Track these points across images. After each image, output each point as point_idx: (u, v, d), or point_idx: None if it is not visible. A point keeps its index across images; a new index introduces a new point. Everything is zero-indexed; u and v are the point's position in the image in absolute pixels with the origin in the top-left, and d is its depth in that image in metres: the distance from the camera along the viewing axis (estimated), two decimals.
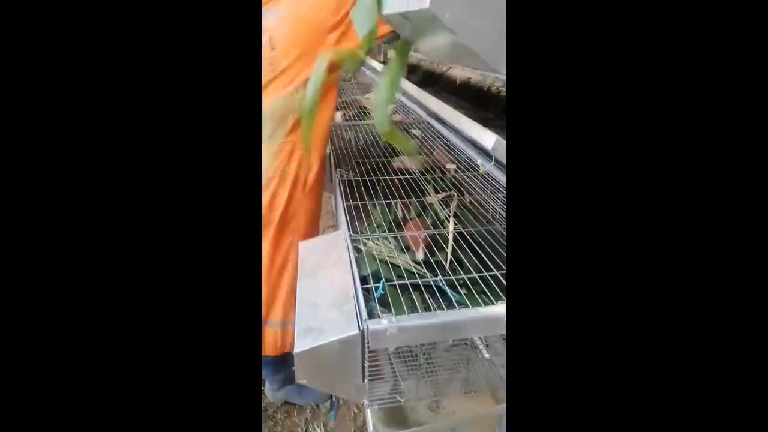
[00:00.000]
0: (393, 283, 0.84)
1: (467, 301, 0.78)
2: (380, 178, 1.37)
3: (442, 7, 0.54)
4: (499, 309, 0.74)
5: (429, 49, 0.78)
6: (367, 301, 0.79)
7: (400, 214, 1.18)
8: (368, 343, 0.71)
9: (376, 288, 0.81)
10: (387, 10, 0.72)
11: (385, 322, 0.70)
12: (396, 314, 0.74)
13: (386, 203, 1.19)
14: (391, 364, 0.88)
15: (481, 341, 0.92)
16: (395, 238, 1.01)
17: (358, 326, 0.72)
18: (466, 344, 0.94)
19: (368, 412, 0.87)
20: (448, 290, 0.82)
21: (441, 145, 1.53)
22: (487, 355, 0.89)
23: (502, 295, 0.78)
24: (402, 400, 0.82)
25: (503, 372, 0.90)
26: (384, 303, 0.82)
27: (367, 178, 1.35)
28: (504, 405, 0.83)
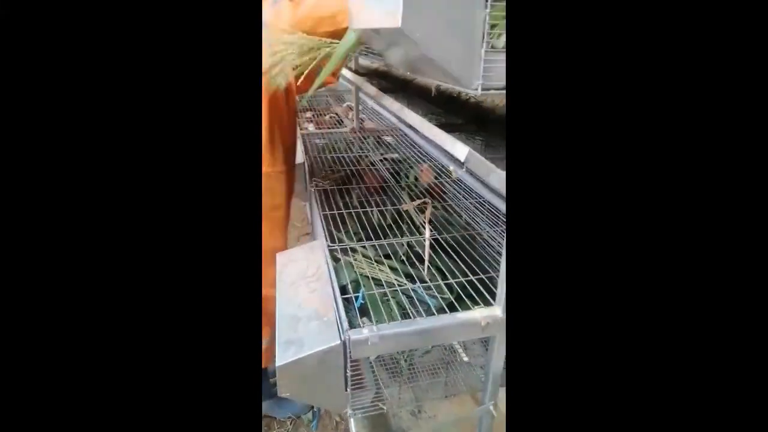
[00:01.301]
0: (372, 292, 0.85)
1: (445, 306, 0.80)
2: (355, 186, 1.38)
3: (414, 27, 0.56)
4: (477, 314, 0.76)
5: (399, 63, 0.80)
6: (347, 311, 0.80)
7: (376, 221, 1.19)
8: (350, 352, 0.72)
9: (356, 297, 0.82)
10: (357, 25, 0.74)
11: (366, 332, 0.71)
12: (377, 323, 0.75)
13: (362, 211, 1.21)
14: (373, 371, 0.89)
15: (460, 345, 0.94)
16: (373, 246, 1.02)
17: (340, 336, 0.72)
18: (445, 348, 0.96)
19: (351, 421, 0.87)
20: (426, 297, 0.84)
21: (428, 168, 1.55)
22: (465, 358, 0.91)
23: (478, 299, 0.81)
24: (384, 408, 0.83)
25: (482, 373, 0.93)
26: (364, 312, 0.83)
27: (342, 187, 1.36)
28: (484, 406, 0.85)
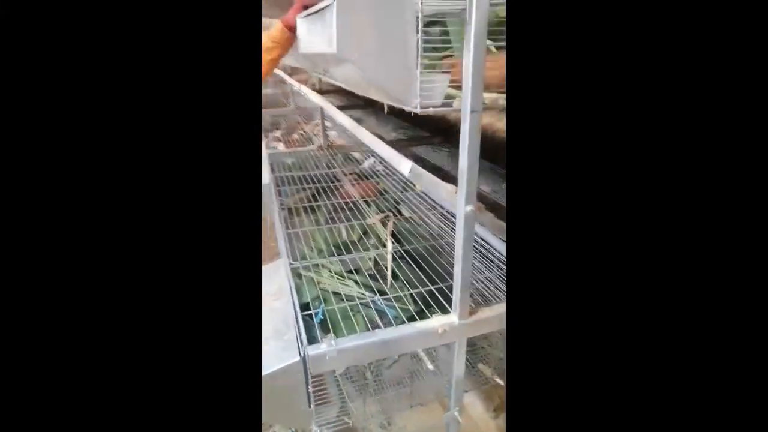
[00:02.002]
0: (332, 307, 0.86)
1: (404, 318, 0.82)
2: (321, 203, 1.40)
3: (348, 51, 0.59)
4: (434, 322, 0.78)
5: (348, 84, 0.83)
6: (309, 327, 0.81)
7: (344, 236, 1.21)
8: (309, 368, 0.73)
9: (316, 314, 0.83)
10: (304, 50, 0.77)
11: (324, 346, 0.72)
12: (337, 337, 0.76)
13: (330, 228, 1.22)
14: (338, 386, 0.90)
15: (425, 353, 0.96)
16: (339, 261, 1.04)
17: (299, 353, 0.73)
18: (411, 358, 0.97)
19: None
20: (386, 308, 0.86)
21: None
22: (431, 367, 0.92)
23: (437, 308, 0.83)
24: (350, 422, 0.83)
25: (448, 380, 0.95)
26: (326, 328, 0.84)
27: (308, 205, 1.37)
28: (449, 413, 0.87)
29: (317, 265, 1.02)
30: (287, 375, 0.73)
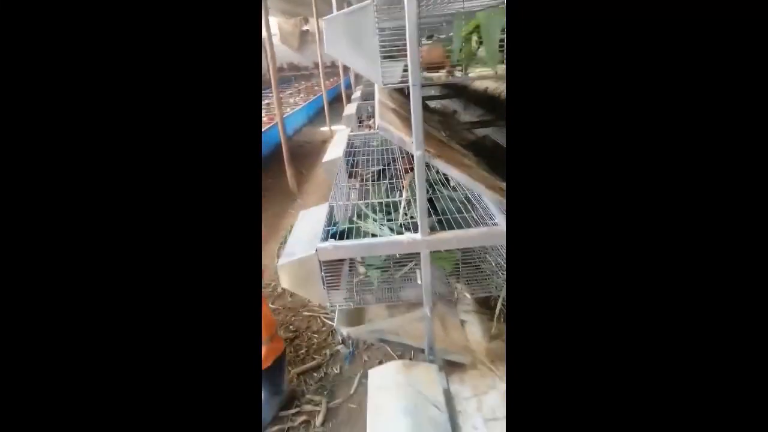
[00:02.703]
0: (351, 226, 1.25)
1: (382, 233, 1.17)
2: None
3: (334, 50, 0.97)
4: (403, 238, 1.11)
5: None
6: (326, 236, 1.21)
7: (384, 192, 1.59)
8: (320, 258, 1.13)
9: (332, 229, 1.23)
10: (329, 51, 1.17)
11: (327, 244, 1.12)
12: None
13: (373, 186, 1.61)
14: (351, 278, 1.28)
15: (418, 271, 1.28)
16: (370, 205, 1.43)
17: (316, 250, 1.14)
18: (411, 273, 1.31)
19: (336, 313, 1.27)
20: (378, 227, 1.21)
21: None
22: (419, 281, 1.24)
23: (412, 230, 1.16)
24: (352, 305, 1.21)
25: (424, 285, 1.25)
26: (341, 237, 1.23)
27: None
28: (424, 309, 1.18)
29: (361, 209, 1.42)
30: (306, 262, 1.14)
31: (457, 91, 3.78)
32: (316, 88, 8.05)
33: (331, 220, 1.30)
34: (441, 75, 0.99)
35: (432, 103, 4.63)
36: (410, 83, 0.95)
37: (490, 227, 1.10)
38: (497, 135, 2.76)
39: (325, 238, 1.16)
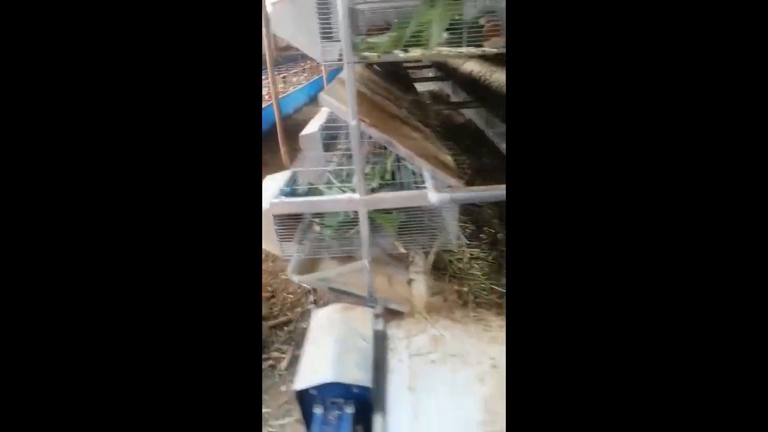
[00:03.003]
0: (310, 188, 1.42)
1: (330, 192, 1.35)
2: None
3: (282, 32, 1.13)
4: (345, 196, 1.28)
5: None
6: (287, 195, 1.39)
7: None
8: (272, 212, 1.31)
9: (288, 188, 1.41)
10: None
11: (279, 200, 1.30)
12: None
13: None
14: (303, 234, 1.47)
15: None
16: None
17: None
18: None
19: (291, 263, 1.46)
20: (334, 192, 1.39)
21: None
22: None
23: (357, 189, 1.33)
24: (302, 255, 1.40)
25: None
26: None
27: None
28: (362, 261, 1.36)
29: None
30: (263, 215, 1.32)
31: (447, 73, 3.91)
32: (320, 67, 8.13)
33: (291, 182, 1.48)
34: (373, 55, 1.15)
35: (431, 86, 4.78)
36: (344, 61, 1.11)
37: (418, 191, 1.27)
38: (477, 117, 2.90)
39: (279, 196, 1.35)
